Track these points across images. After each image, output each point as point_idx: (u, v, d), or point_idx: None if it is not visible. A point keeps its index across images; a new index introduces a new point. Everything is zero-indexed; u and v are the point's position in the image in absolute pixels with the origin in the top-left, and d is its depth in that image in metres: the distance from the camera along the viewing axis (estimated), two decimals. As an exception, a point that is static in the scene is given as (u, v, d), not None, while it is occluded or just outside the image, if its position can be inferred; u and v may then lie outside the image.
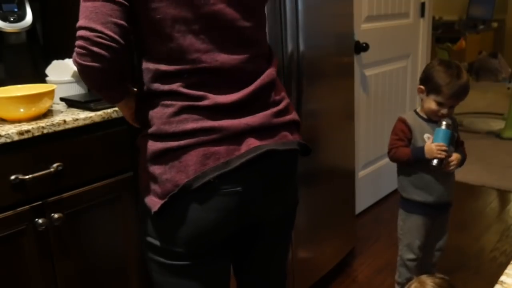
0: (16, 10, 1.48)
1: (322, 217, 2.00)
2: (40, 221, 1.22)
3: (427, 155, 1.69)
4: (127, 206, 1.46)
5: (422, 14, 3.01)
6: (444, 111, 1.71)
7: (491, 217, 2.72)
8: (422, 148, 1.71)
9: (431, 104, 1.73)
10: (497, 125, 4.37)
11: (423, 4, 2.99)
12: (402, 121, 1.79)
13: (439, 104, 1.71)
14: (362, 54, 2.49)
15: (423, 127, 1.77)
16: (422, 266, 1.96)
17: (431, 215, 1.86)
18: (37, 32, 1.64)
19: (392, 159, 1.83)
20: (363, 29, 2.50)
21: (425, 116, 1.78)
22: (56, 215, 1.25)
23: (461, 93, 1.71)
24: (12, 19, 1.46)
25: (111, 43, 0.89)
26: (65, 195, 1.29)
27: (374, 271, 2.21)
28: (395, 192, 3.09)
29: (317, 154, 1.91)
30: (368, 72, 2.63)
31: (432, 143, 1.69)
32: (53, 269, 1.29)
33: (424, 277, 1.35)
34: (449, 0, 6.36)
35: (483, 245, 2.39)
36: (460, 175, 3.28)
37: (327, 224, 2.05)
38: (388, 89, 2.84)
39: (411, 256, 1.90)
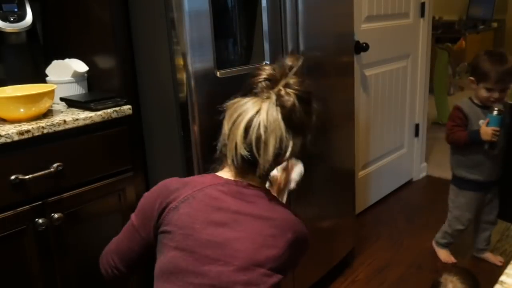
0: (16, 10, 1.48)
1: (322, 217, 2.00)
2: (40, 221, 1.22)
3: (483, 137, 1.89)
4: (127, 206, 1.46)
5: (422, 14, 3.01)
6: (495, 95, 1.90)
7: (491, 217, 2.72)
8: (477, 131, 1.91)
9: (482, 91, 1.93)
10: (497, 125, 4.36)
11: (423, 4, 2.98)
12: (458, 108, 2.02)
13: (489, 90, 1.91)
14: (362, 54, 2.49)
15: (478, 114, 1.97)
16: (477, 244, 2.26)
17: (481, 192, 2.09)
18: (37, 32, 1.64)
19: (451, 142, 2.05)
20: (363, 29, 2.50)
21: (479, 103, 1.98)
22: (56, 215, 1.25)
23: (507, 76, 1.89)
24: (12, 19, 1.46)
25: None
26: (65, 195, 1.29)
27: (374, 271, 2.20)
28: (395, 192, 3.10)
29: (317, 154, 1.91)
30: (368, 72, 2.63)
31: (488, 127, 1.88)
32: (53, 269, 1.29)
33: (450, 277, 1.46)
34: (449, 0, 6.36)
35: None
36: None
37: (327, 224, 2.05)
38: (388, 89, 2.84)
39: (460, 227, 2.16)
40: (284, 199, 1.25)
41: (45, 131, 1.22)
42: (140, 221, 1.04)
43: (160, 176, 1.52)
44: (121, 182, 1.43)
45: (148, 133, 1.51)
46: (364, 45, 2.42)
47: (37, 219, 1.22)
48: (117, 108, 1.39)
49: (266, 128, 0.93)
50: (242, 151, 0.95)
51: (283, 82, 0.98)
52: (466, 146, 1.99)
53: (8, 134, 1.14)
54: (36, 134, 1.20)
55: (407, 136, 3.14)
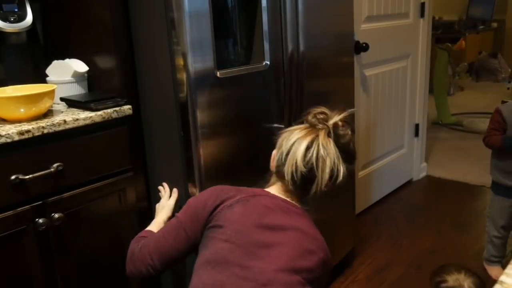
0: (16, 10, 1.48)
1: (322, 217, 2.00)
2: (40, 221, 1.22)
3: None
4: (127, 206, 1.46)
5: (422, 14, 3.01)
6: None
7: (491, 217, 2.72)
8: (511, 137, 1.86)
9: None
10: (497, 125, 4.36)
11: (423, 4, 2.98)
12: (498, 112, 1.94)
13: None
14: (362, 54, 2.49)
15: None
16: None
17: None
18: (37, 32, 1.64)
19: (486, 145, 1.99)
20: (363, 29, 2.50)
21: None
22: (56, 215, 1.25)
23: None
24: (12, 19, 1.46)
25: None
26: (65, 195, 1.29)
27: (374, 271, 2.21)
28: (395, 192, 3.10)
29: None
30: (368, 72, 2.63)
31: None
32: (53, 268, 1.29)
33: (456, 275, 1.45)
34: (449, 0, 6.36)
35: (483, 245, 2.38)
36: (460, 175, 3.29)
37: (327, 224, 2.05)
38: (388, 89, 2.84)
39: (496, 233, 2.09)
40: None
41: (45, 131, 1.22)
42: (189, 219, 1.09)
43: (160, 176, 1.53)
44: (121, 182, 1.43)
45: (148, 133, 1.51)
46: (364, 45, 2.42)
47: (37, 219, 1.22)
48: (117, 108, 1.39)
49: (324, 148, 1.07)
50: (302, 168, 1.06)
51: (338, 117, 1.12)
52: (502, 152, 1.93)
53: (8, 134, 1.15)
54: (36, 134, 1.20)
55: (407, 136, 3.14)
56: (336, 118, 1.13)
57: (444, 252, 2.30)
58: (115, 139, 1.40)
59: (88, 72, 1.52)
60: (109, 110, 1.36)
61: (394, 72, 2.88)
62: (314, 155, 1.07)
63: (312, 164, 1.07)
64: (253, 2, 1.54)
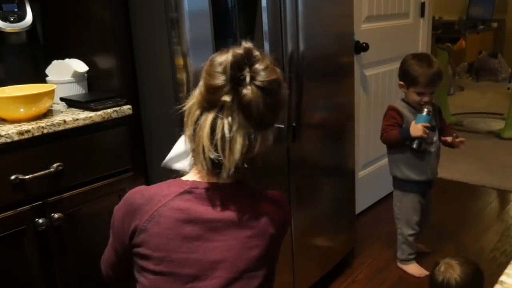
0: (16, 10, 1.48)
1: (322, 217, 2.00)
2: (40, 221, 1.22)
3: (412, 134, 1.90)
4: (127, 206, 1.46)
5: (422, 14, 3.01)
6: (425, 98, 1.94)
7: (491, 217, 2.72)
8: (407, 129, 1.92)
9: (412, 95, 1.97)
10: (497, 125, 4.37)
11: (423, 4, 2.98)
12: (393, 108, 2.02)
13: (419, 93, 1.95)
14: (362, 54, 2.49)
15: (412, 113, 1.98)
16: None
17: (424, 192, 2.10)
18: (37, 32, 1.64)
19: (384, 141, 2.05)
20: (363, 29, 2.50)
21: (412, 104, 2.00)
22: (56, 215, 1.25)
23: (435, 79, 1.93)
24: (12, 19, 1.46)
25: None
26: (65, 195, 1.29)
27: (374, 271, 2.20)
28: (395, 192, 3.10)
29: (317, 154, 1.91)
30: (368, 72, 2.63)
31: (417, 123, 1.90)
32: (53, 269, 1.29)
33: (449, 259, 1.46)
34: (449, 0, 6.36)
35: (483, 245, 2.39)
36: (460, 175, 3.29)
37: (327, 224, 2.05)
38: (388, 89, 2.84)
39: (411, 231, 2.12)
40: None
41: (45, 131, 1.22)
42: (116, 240, 1.01)
43: (160, 176, 1.52)
44: (121, 182, 1.43)
45: (148, 133, 1.51)
46: (364, 45, 2.42)
47: (37, 219, 1.22)
48: (117, 108, 1.39)
49: (230, 127, 0.87)
50: (211, 154, 0.89)
51: (247, 74, 0.88)
52: (400, 145, 1.98)
53: (8, 134, 1.14)
54: (36, 134, 1.20)
55: (407, 136, 3.13)
56: (247, 73, 0.88)
57: (444, 252, 2.30)
58: (115, 139, 1.40)
59: (88, 72, 1.52)
60: (109, 110, 1.36)
61: (394, 72, 2.87)
62: (220, 135, 0.88)
63: (217, 147, 0.88)
64: (253, 2, 1.54)
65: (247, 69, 0.88)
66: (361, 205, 2.76)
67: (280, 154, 1.70)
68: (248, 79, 0.87)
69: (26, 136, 1.18)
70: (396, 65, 2.94)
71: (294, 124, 1.67)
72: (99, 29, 1.46)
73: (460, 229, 2.56)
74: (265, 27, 1.53)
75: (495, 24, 6.73)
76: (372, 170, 2.84)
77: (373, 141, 2.79)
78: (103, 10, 1.42)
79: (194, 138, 0.93)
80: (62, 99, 1.46)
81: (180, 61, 1.32)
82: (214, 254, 0.91)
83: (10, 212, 1.18)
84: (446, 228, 2.58)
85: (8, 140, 1.15)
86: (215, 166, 0.90)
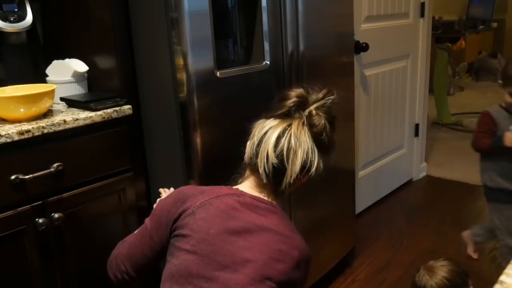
0: (16, 10, 1.48)
1: (322, 217, 2.00)
2: (40, 221, 1.22)
3: (507, 143, 1.73)
4: (127, 206, 1.46)
5: (422, 14, 3.01)
6: None
7: (491, 217, 2.72)
8: (501, 137, 1.76)
9: (507, 96, 1.81)
10: (497, 125, 4.36)
11: (423, 4, 2.98)
12: (486, 114, 1.88)
13: None
14: (362, 54, 2.49)
15: (507, 119, 1.83)
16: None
17: None
18: (37, 32, 1.64)
19: (476, 150, 1.93)
20: (363, 29, 2.50)
21: (508, 108, 1.83)
22: (56, 215, 1.25)
23: None
24: (12, 19, 1.46)
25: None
26: (65, 195, 1.29)
27: (374, 271, 2.20)
28: (395, 192, 3.10)
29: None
30: (368, 72, 2.63)
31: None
32: (53, 269, 1.29)
33: (433, 262, 1.42)
34: (449, 0, 6.36)
35: (483, 245, 2.38)
36: (460, 175, 3.29)
37: (327, 224, 2.05)
38: (388, 89, 2.84)
39: None
40: None
41: (45, 131, 1.22)
42: (155, 226, 1.05)
43: (160, 176, 1.53)
44: (121, 182, 1.43)
45: (148, 133, 1.51)
46: (364, 45, 2.42)
47: (37, 219, 1.22)
48: (117, 108, 1.39)
49: (296, 139, 0.99)
50: (273, 159, 0.99)
51: (313, 105, 1.04)
52: (494, 153, 1.85)
53: (8, 134, 1.15)
54: (36, 134, 1.20)
55: (407, 136, 3.14)
56: (314, 104, 1.04)
57: (444, 252, 2.30)
58: (115, 139, 1.40)
59: (88, 72, 1.52)
60: (109, 110, 1.36)
61: (394, 72, 2.88)
62: (286, 145, 0.99)
63: (283, 155, 0.99)
64: (253, 2, 1.54)
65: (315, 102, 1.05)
66: (361, 205, 2.76)
67: (280, 154, 1.69)
68: (314, 110, 1.03)
69: (26, 136, 1.18)
70: (396, 65, 2.96)
71: (294, 124, 1.67)
72: (99, 29, 1.46)
73: (460, 229, 2.56)
74: (265, 27, 1.53)
75: (495, 24, 6.73)
76: (372, 170, 2.84)
77: (373, 141, 2.79)
78: (103, 10, 1.43)
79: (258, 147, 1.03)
80: (62, 99, 1.46)
81: (180, 61, 1.32)
82: (248, 253, 0.95)
83: (10, 212, 1.19)
84: (446, 228, 2.58)
85: (8, 140, 1.15)
86: (276, 173, 1.01)
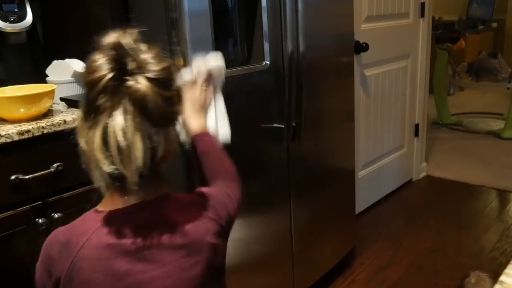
0: (16, 10, 1.48)
1: (322, 217, 2.00)
2: (40, 221, 1.22)
3: None
4: (127, 206, 1.46)
5: (422, 14, 3.01)
6: None
7: (491, 217, 2.72)
8: None
9: None
10: (497, 125, 4.37)
11: (423, 4, 2.98)
12: None
13: None
14: (362, 54, 2.49)
15: None
16: None
17: None
18: (37, 32, 1.64)
19: None
20: (363, 29, 2.50)
21: None
22: (56, 215, 1.25)
23: None
24: (12, 19, 1.46)
25: None
26: (65, 195, 1.29)
27: (374, 271, 2.20)
28: (395, 192, 3.10)
29: (317, 154, 1.91)
30: (368, 72, 2.63)
31: None
32: (53, 269, 1.29)
33: (478, 272, 1.43)
34: (449, 0, 6.35)
35: (483, 245, 2.39)
36: (460, 175, 3.29)
37: (327, 224, 2.05)
38: (388, 89, 2.84)
39: None
40: (213, 115, 1.12)
41: (45, 131, 1.22)
42: None
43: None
44: (121, 182, 1.43)
45: (148, 133, 1.50)
46: (364, 45, 2.42)
47: (37, 219, 1.22)
48: (117, 108, 1.39)
49: (125, 132, 0.74)
50: (106, 167, 0.78)
51: (132, 65, 0.77)
52: None
53: (8, 134, 1.14)
54: (36, 134, 1.20)
55: (407, 136, 3.14)
56: (132, 63, 0.78)
57: (444, 252, 2.30)
58: (115, 139, 1.40)
59: (88, 72, 1.52)
60: (109, 110, 1.36)
61: (394, 72, 2.88)
62: (114, 144, 0.76)
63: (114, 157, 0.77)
64: (253, 2, 1.54)
65: (132, 60, 0.77)
66: (361, 205, 2.76)
67: (280, 154, 1.70)
68: (135, 70, 0.76)
69: (26, 136, 1.18)
70: (396, 65, 2.96)
71: (294, 124, 1.67)
72: (99, 29, 1.46)
73: (460, 229, 2.56)
74: (265, 27, 1.53)
75: (495, 24, 6.73)
76: (372, 170, 2.84)
77: (373, 141, 2.79)
78: (103, 10, 1.42)
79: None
80: (62, 99, 1.46)
81: (180, 61, 1.32)
82: (153, 286, 0.80)
83: (10, 212, 1.18)
84: (446, 228, 2.59)
85: (8, 140, 1.15)
86: (116, 180, 0.80)
